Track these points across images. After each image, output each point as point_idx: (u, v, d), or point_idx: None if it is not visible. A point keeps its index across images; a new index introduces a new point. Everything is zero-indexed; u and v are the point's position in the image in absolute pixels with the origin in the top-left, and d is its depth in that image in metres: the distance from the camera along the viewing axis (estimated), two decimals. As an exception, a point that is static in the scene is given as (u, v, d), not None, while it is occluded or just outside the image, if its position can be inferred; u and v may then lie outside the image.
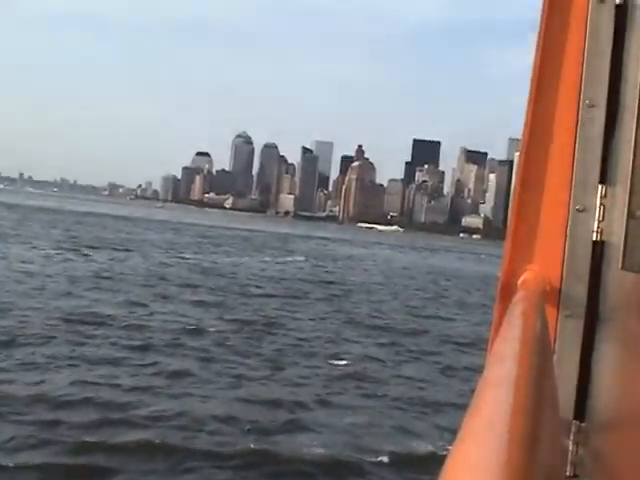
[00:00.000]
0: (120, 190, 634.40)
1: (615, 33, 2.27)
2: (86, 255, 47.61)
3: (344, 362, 21.12)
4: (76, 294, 29.27)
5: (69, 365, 17.81)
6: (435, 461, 13.08)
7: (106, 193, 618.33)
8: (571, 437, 2.23)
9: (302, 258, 69.47)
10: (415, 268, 74.20)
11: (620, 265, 2.19)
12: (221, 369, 18.86)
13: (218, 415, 14.94)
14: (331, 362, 21.05)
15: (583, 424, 2.25)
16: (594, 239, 2.29)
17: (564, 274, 2.33)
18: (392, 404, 17.36)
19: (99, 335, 21.40)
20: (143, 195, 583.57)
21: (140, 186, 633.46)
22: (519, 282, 2.26)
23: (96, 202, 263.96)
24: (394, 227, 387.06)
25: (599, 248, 2.28)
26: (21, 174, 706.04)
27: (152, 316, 25.53)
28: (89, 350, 19.53)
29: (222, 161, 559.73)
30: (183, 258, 53.93)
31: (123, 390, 16.05)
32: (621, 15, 2.27)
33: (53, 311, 24.54)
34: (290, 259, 66.70)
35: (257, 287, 38.37)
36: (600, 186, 2.29)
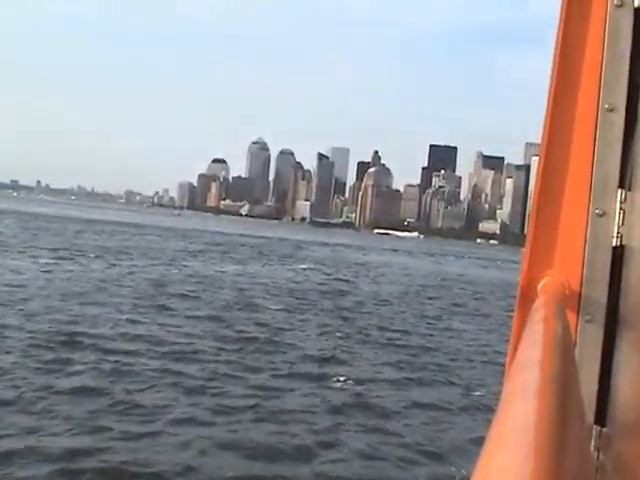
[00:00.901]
0: (137, 198, 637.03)
1: (634, 37, 2.27)
2: (84, 264, 45.31)
3: (348, 386, 18.53)
4: (60, 308, 26.85)
5: (28, 400, 15.33)
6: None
7: (122, 201, 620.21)
8: (592, 443, 2.22)
9: (314, 266, 67.01)
10: (432, 275, 71.46)
11: None
12: (205, 401, 16.30)
13: (192, 464, 12.42)
14: (334, 386, 18.48)
15: (604, 429, 2.24)
16: (614, 244, 2.28)
17: (584, 279, 2.32)
18: (401, 442, 14.79)
19: (73, 360, 18.82)
20: (160, 202, 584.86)
21: (157, 193, 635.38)
22: (539, 288, 2.27)
23: (110, 210, 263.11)
24: (414, 233, 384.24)
25: (619, 253, 2.28)
26: (38, 182, 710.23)
27: (139, 334, 23.03)
28: (57, 379, 17.02)
29: (238, 168, 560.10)
30: (188, 267, 51.55)
31: (84, 432, 13.55)
32: None
33: (29, 329, 22.13)
34: (301, 267, 64.21)
35: (261, 298, 35.85)
36: (620, 190, 2.28)
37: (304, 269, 61.93)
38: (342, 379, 19.30)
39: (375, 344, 25.28)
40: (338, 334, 26.70)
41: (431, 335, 28.99)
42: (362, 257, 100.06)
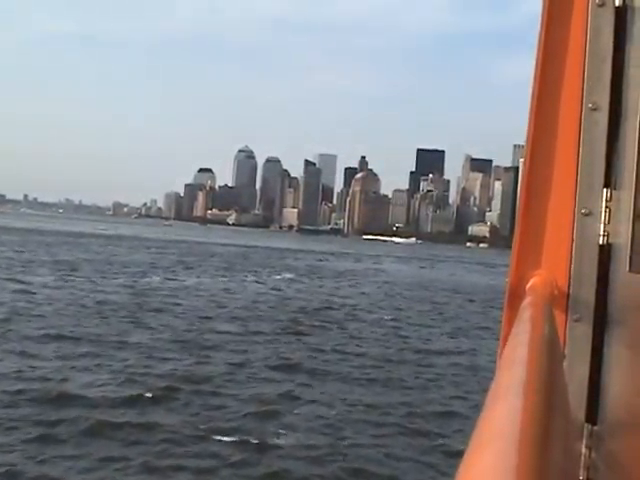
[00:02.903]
0: (125, 209, 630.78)
1: (616, 36, 2.28)
2: (27, 282, 39.97)
3: (291, 461, 13.40)
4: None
5: None
6: None
7: (110, 213, 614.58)
8: (583, 441, 2.23)
9: (290, 276, 61.94)
10: (421, 284, 66.42)
11: (627, 268, 2.23)
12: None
13: None
14: (272, 460, 13.36)
15: (595, 427, 2.25)
16: (600, 243, 2.29)
17: (572, 278, 2.33)
18: None
19: None
20: (147, 214, 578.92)
21: (145, 204, 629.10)
22: (527, 287, 2.26)
23: (94, 222, 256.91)
24: (412, 239, 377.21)
25: (606, 251, 2.29)
26: (25, 196, 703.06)
27: (32, 380, 17.86)
28: None
29: (225, 177, 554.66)
30: (147, 282, 46.35)
31: None
32: (621, 17, 2.27)
33: None
34: (277, 277, 59.14)
35: (215, 320, 30.62)
36: (605, 189, 2.29)
37: (280, 279, 56.98)
38: (286, 446, 14.15)
39: (338, 380, 20.05)
40: (295, 367, 21.50)
41: (412, 362, 23.84)
42: (347, 265, 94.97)
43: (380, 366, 22.75)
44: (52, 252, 70.86)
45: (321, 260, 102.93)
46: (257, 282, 53.59)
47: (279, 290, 47.89)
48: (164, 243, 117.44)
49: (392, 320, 35.84)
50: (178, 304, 35.28)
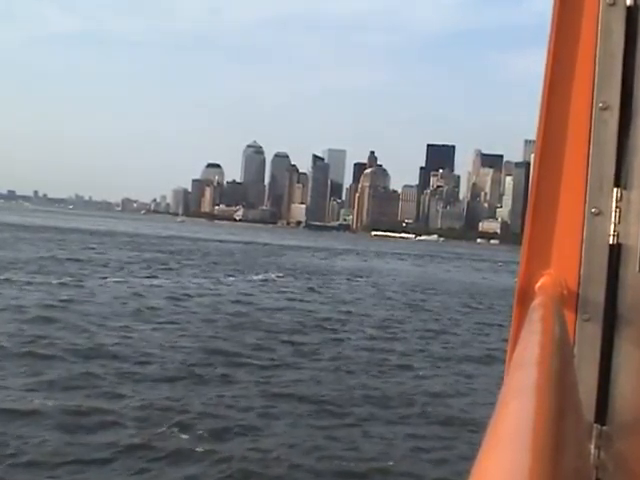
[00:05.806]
0: (134, 205, 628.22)
1: (627, 35, 2.27)
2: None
3: None
4: None
5: None
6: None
7: (119, 209, 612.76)
8: (593, 441, 2.22)
9: (279, 275, 56.94)
10: (422, 286, 61.08)
11: (637, 268, 2.23)
12: None
13: None
14: None
15: (604, 427, 2.24)
16: (610, 242, 2.29)
17: (581, 278, 2.33)
18: None
19: None
20: (156, 209, 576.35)
21: (154, 200, 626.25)
22: (537, 287, 2.26)
23: (100, 218, 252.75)
24: (434, 236, 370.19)
25: (616, 251, 2.28)
26: (36, 192, 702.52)
27: None
28: None
29: (233, 172, 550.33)
30: (116, 283, 41.35)
31: None
32: (632, 17, 2.27)
33: None
34: (261, 278, 54.03)
35: (170, 344, 25.32)
36: (615, 189, 2.28)
37: (266, 280, 52.08)
38: None
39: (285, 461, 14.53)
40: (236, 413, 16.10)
41: (399, 396, 18.57)
42: (348, 263, 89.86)
43: (347, 397, 17.49)
44: (27, 250, 66.06)
45: (321, 258, 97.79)
46: (240, 285, 48.22)
47: (254, 294, 42.46)
48: (166, 240, 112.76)
49: (380, 326, 30.62)
50: (132, 316, 30.12)
